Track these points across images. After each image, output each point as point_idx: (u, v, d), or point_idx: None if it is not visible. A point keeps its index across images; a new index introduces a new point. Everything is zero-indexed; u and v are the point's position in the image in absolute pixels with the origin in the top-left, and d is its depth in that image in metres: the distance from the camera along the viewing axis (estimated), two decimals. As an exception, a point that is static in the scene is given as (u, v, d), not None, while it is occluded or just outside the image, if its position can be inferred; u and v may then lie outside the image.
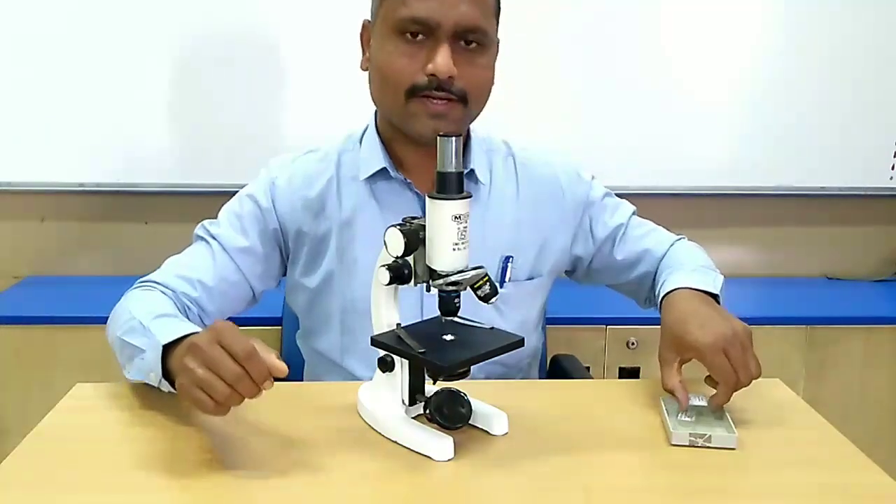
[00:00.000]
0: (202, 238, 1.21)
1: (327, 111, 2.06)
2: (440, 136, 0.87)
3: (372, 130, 1.22)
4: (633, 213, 1.32)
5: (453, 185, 0.88)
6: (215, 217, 1.23)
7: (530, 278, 1.25)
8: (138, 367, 1.00)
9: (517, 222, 1.23)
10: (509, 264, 1.22)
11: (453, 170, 0.87)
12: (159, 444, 0.92)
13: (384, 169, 1.18)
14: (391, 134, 1.19)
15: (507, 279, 1.22)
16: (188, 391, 0.84)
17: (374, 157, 1.19)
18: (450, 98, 1.09)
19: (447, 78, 1.07)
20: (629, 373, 2.00)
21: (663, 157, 2.25)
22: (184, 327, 0.98)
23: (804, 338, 2.05)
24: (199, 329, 0.96)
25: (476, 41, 1.09)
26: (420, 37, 1.07)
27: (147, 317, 1.03)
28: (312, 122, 2.11)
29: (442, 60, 1.06)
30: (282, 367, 0.81)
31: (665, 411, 0.99)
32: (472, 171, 1.21)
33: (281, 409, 1.02)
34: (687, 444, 0.93)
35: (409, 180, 1.18)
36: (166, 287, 1.15)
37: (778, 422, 1.02)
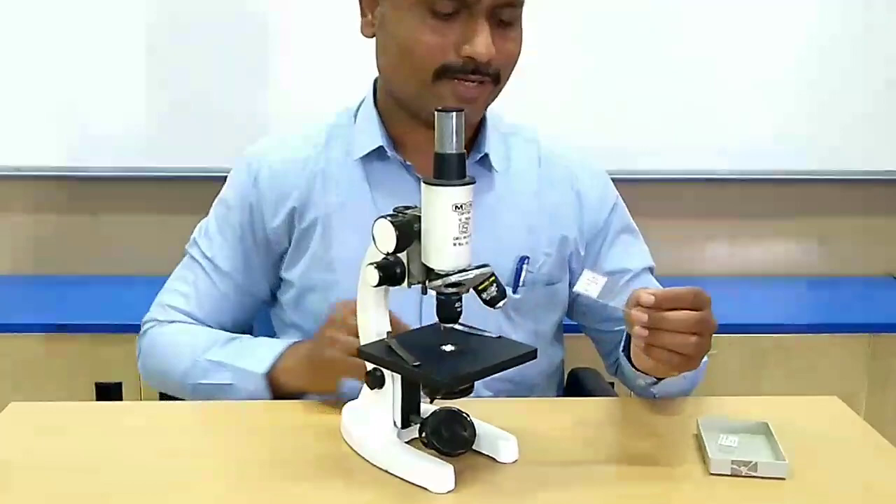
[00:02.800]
0: (195, 260, 1.28)
1: (314, 84, 2.06)
2: (437, 110, 0.87)
3: (369, 104, 1.23)
4: (649, 268, 1.30)
5: (454, 168, 0.87)
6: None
7: (549, 283, 1.24)
8: (236, 396, 1.15)
9: (536, 217, 1.23)
10: (525, 266, 1.21)
11: (454, 151, 0.87)
12: (102, 475, 0.92)
13: (380, 148, 1.19)
14: (393, 110, 1.20)
15: (521, 283, 1.22)
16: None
17: (369, 135, 1.20)
18: (482, 81, 1.12)
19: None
20: (661, 389, 2.00)
21: (701, 134, 2.24)
22: (261, 353, 1.16)
23: (866, 347, 2.05)
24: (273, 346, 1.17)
25: (511, 15, 1.12)
26: (452, 11, 1.09)
27: (210, 353, 1.19)
28: (296, 97, 2.10)
29: (483, 42, 1.09)
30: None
31: (703, 434, 0.98)
32: (486, 155, 1.22)
33: (254, 430, 1.02)
34: (729, 473, 0.93)
35: (408, 163, 1.19)
36: (185, 316, 1.26)
37: (835, 446, 1.01)
